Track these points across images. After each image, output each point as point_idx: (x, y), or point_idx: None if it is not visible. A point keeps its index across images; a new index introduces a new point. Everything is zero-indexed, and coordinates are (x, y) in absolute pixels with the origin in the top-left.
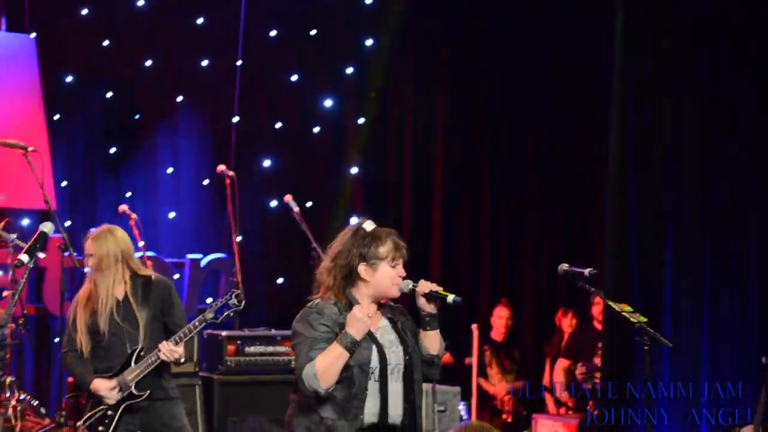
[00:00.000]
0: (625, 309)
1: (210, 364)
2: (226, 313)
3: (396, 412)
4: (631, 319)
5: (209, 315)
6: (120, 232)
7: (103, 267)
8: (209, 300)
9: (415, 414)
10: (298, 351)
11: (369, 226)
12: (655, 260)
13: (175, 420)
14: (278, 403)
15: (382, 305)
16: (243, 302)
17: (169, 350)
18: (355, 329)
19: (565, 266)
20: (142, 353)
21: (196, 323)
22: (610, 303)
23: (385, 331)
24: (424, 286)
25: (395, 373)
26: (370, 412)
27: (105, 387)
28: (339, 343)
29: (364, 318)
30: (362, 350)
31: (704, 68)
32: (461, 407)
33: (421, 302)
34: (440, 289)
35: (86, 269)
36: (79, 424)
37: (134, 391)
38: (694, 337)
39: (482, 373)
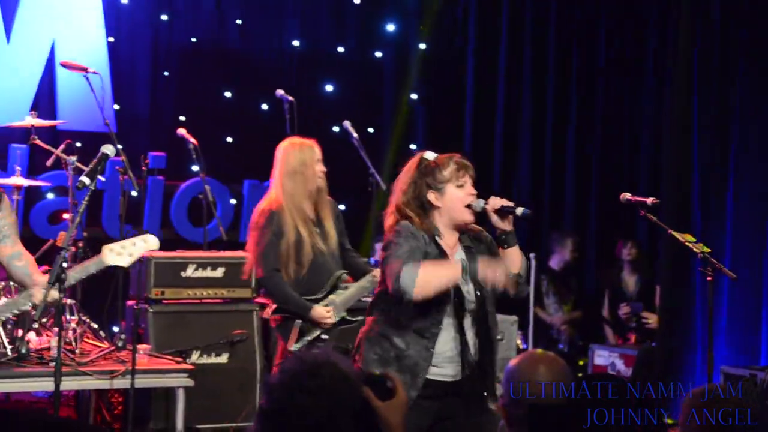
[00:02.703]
0: (688, 239)
1: None
2: None
3: (471, 345)
4: (695, 250)
5: None
6: None
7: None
8: None
9: (489, 345)
10: (394, 254)
11: (429, 155)
12: (717, 191)
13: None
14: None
15: (463, 233)
16: None
17: None
18: (483, 270)
19: (627, 195)
20: (344, 276)
21: None
22: (673, 233)
23: None
24: (494, 201)
25: (468, 311)
26: (443, 347)
27: (326, 314)
28: (457, 268)
29: (499, 270)
30: None
31: None
32: (517, 336)
33: (494, 219)
34: (510, 204)
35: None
36: (294, 347)
37: (348, 316)
38: (754, 270)
39: (539, 302)
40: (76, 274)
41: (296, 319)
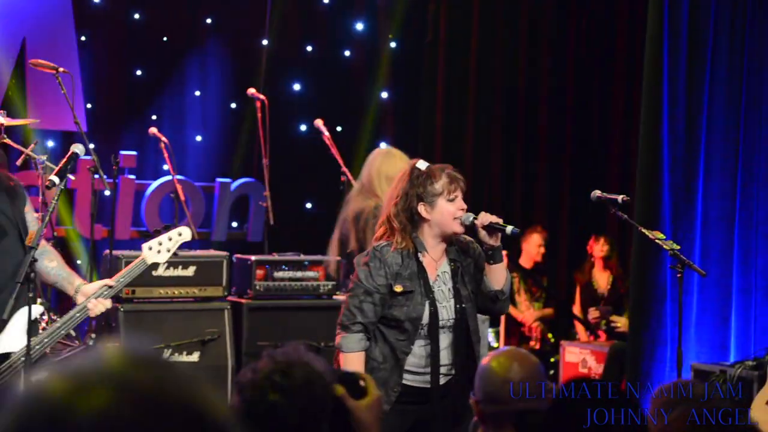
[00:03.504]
0: (658, 236)
1: (239, 288)
2: None
3: (445, 361)
4: (665, 246)
5: None
6: None
7: None
8: (234, 224)
9: (467, 362)
10: (352, 291)
11: (422, 165)
12: (687, 189)
13: None
14: (306, 328)
15: (451, 245)
16: None
17: None
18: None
19: (597, 193)
20: None
21: None
22: (643, 230)
23: (443, 280)
24: (484, 217)
25: (446, 327)
26: (414, 363)
27: None
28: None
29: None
30: (416, 305)
31: None
32: (489, 334)
33: (482, 235)
34: (500, 221)
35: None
36: None
37: None
38: (723, 267)
39: (510, 300)
40: (123, 279)
41: None
